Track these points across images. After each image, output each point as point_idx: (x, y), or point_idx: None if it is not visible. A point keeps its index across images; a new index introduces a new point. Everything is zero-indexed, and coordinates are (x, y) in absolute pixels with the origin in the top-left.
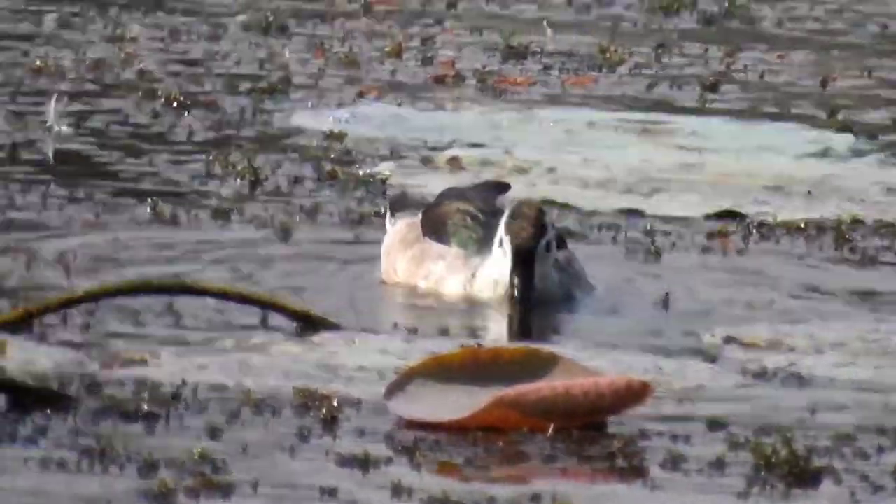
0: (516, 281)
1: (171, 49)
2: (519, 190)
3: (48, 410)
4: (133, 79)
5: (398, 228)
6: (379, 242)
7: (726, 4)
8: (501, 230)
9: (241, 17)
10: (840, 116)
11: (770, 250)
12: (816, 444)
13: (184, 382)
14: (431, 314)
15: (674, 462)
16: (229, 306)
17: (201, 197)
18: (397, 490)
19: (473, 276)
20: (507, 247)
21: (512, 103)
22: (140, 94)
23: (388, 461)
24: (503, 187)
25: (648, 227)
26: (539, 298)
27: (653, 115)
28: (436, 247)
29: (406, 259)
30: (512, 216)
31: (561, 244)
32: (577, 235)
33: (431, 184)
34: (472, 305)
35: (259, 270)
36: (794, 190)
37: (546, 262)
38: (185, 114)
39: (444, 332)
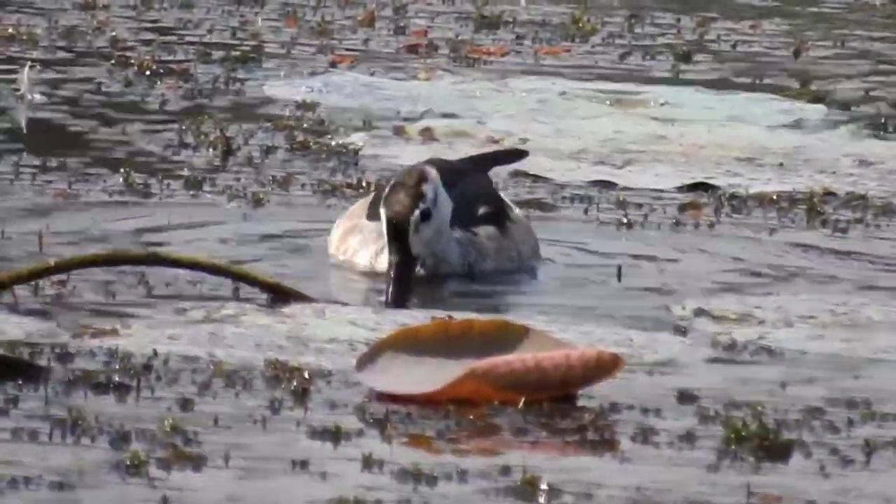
0: (392, 255)
1: (144, 17)
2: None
3: (19, 381)
4: (105, 47)
5: (353, 206)
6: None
7: None
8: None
9: None
10: (812, 87)
11: (741, 222)
12: (787, 417)
13: (155, 353)
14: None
15: (644, 435)
16: (201, 277)
17: (174, 166)
18: (368, 462)
19: (382, 250)
20: (383, 218)
21: (485, 73)
22: (112, 62)
23: (360, 433)
24: (517, 155)
25: (620, 199)
26: (434, 271)
27: (625, 86)
28: (363, 221)
29: (338, 233)
30: (391, 185)
31: (498, 215)
32: (548, 207)
33: (404, 154)
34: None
35: (230, 241)
36: (766, 161)
37: (424, 232)
38: (158, 83)
39: (414, 305)
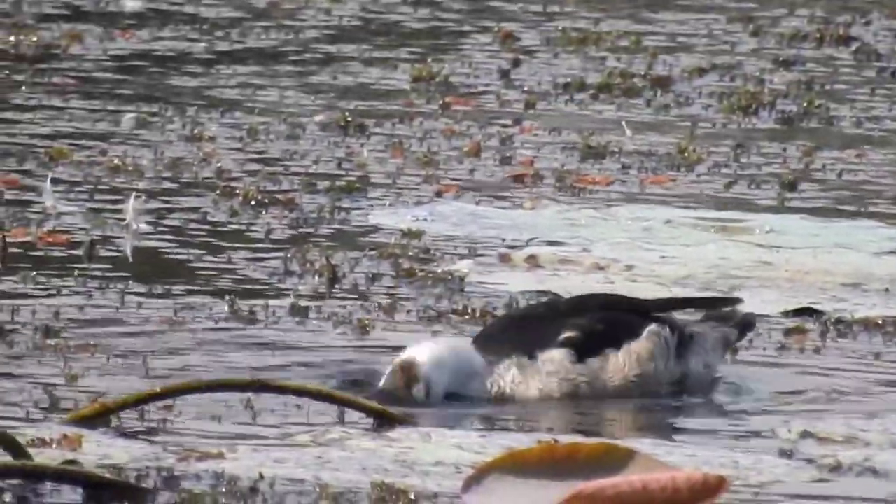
0: None
1: (249, 148)
2: (598, 289)
3: (125, 503)
4: (211, 177)
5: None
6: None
7: (805, 104)
8: None
9: (319, 117)
10: None
11: (847, 347)
12: None
13: (261, 476)
14: (506, 410)
15: None
16: (307, 402)
17: (279, 294)
18: None
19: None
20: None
21: (590, 202)
22: (218, 192)
23: None
24: (726, 301)
25: None
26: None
27: (731, 214)
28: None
29: None
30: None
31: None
32: None
33: (510, 281)
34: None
35: (337, 367)
36: (872, 287)
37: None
38: (263, 212)
39: (520, 429)
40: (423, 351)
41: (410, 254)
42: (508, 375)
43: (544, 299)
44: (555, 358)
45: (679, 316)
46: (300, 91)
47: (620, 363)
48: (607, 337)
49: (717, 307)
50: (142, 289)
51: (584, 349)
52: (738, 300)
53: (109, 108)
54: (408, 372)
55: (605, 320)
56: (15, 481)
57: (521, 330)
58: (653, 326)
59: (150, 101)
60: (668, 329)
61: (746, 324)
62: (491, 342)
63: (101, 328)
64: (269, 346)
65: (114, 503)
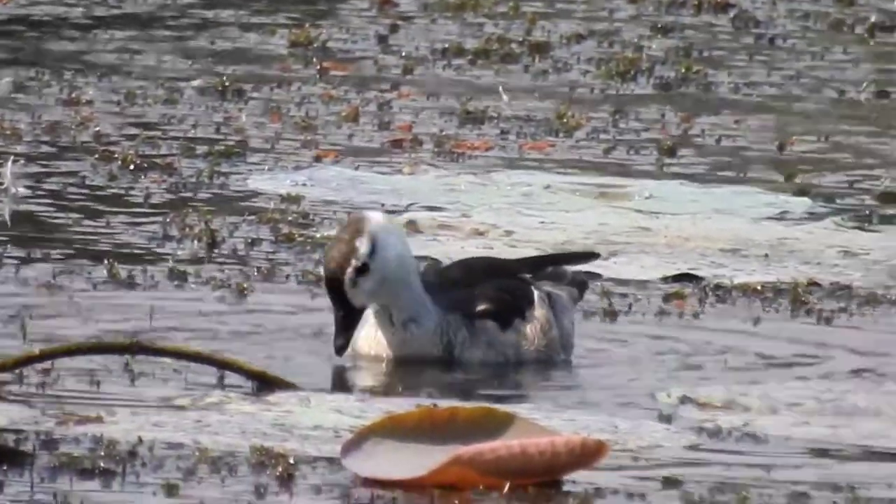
0: (335, 311)
1: (127, 112)
2: (478, 253)
3: (4, 467)
4: (89, 141)
5: None
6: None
7: (683, 70)
8: None
9: (197, 82)
10: (797, 180)
11: (726, 312)
12: (772, 502)
13: (140, 440)
14: (385, 375)
15: None
16: (185, 366)
17: (158, 258)
18: None
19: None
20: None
21: (469, 167)
22: (96, 156)
23: None
24: (584, 257)
25: (605, 290)
26: (406, 340)
27: (610, 179)
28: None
29: None
30: (331, 239)
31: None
32: None
33: None
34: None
35: (215, 331)
36: (751, 253)
37: (364, 285)
38: (142, 176)
39: (399, 393)
40: (378, 215)
41: (290, 219)
42: (460, 334)
43: (426, 264)
44: (488, 327)
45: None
46: (178, 56)
47: (530, 333)
48: (514, 307)
49: (579, 261)
50: (20, 252)
51: (501, 320)
52: (595, 255)
53: None
54: (356, 224)
55: (506, 289)
56: None
57: (441, 292)
58: (538, 291)
59: (28, 66)
60: (548, 290)
61: (580, 282)
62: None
63: None
64: (148, 311)
65: None
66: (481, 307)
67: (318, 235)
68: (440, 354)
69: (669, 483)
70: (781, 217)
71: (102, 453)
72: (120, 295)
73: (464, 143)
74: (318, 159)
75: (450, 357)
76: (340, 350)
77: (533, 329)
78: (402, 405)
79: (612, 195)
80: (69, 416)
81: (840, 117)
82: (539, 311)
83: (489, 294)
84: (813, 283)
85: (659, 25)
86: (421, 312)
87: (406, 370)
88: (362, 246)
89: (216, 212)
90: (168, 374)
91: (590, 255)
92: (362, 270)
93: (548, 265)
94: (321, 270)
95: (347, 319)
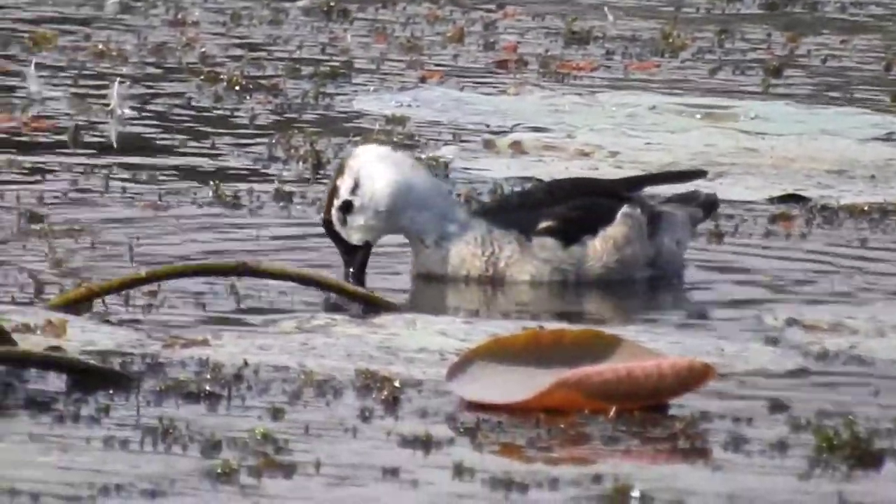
0: (340, 252)
1: (233, 33)
2: (582, 174)
3: (110, 390)
4: (195, 63)
5: None
6: None
7: None
8: None
9: (302, 2)
10: None
11: (833, 234)
12: (878, 426)
13: (245, 363)
14: (493, 297)
15: (735, 443)
16: (291, 288)
17: (264, 180)
18: (459, 470)
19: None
20: None
21: (574, 88)
22: (202, 77)
23: (451, 442)
24: (691, 175)
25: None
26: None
27: (716, 100)
28: None
29: None
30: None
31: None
32: None
33: (494, 167)
34: (534, 288)
35: (321, 253)
36: (857, 174)
37: (355, 221)
38: (247, 97)
39: (505, 315)
40: (370, 149)
41: (395, 139)
42: (507, 249)
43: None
44: (546, 244)
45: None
46: None
47: (599, 250)
48: (584, 224)
49: (683, 180)
50: (126, 174)
51: (564, 237)
52: (703, 173)
53: None
54: (341, 163)
55: (579, 207)
56: None
57: (503, 213)
58: (625, 208)
59: None
60: (638, 209)
61: (710, 203)
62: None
63: (86, 213)
64: (254, 231)
65: (98, 390)
66: (544, 224)
67: (423, 156)
68: (486, 272)
69: (776, 406)
70: (888, 138)
71: (208, 377)
72: (226, 215)
73: (569, 64)
74: (423, 80)
75: (495, 274)
76: (358, 279)
77: (603, 245)
78: (507, 328)
79: (718, 116)
80: (175, 339)
81: None
82: (617, 229)
83: (557, 212)
84: None
85: None
86: (452, 231)
87: (510, 292)
88: (343, 184)
89: (322, 133)
90: (273, 296)
91: (695, 174)
92: (347, 208)
93: (647, 184)
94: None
95: (349, 256)
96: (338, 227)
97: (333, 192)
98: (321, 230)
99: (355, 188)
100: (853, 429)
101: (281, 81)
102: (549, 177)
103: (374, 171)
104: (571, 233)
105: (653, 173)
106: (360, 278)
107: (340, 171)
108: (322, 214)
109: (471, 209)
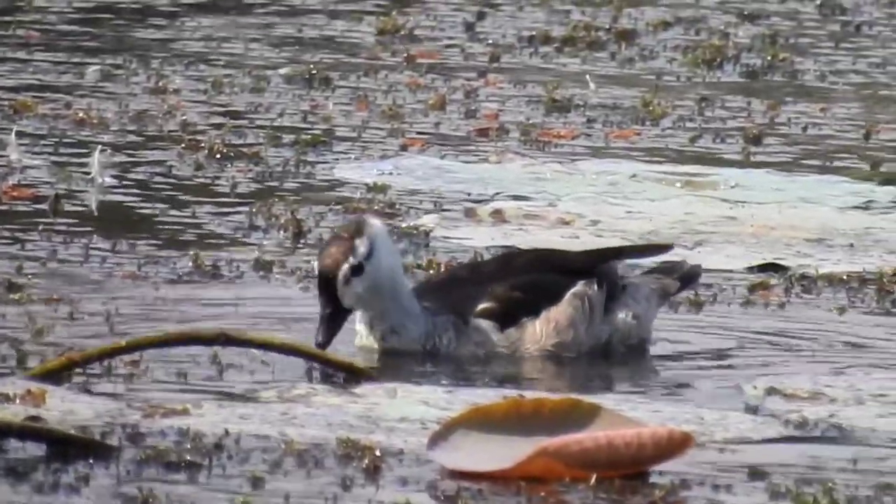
0: (321, 307)
1: (214, 101)
2: (563, 243)
3: (90, 460)
4: (176, 130)
5: None
6: None
7: (769, 58)
8: None
9: (284, 70)
10: (883, 169)
11: (812, 302)
12: (857, 493)
13: (226, 432)
14: (474, 366)
15: None
16: (272, 357)
17: (243, 249)
18: None
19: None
20: (315, 269)
21: (555, 156)
22: (183, 145)
23: None
24: (656, 249)
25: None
26: (393, 344)
27: (696, 168)
28: None
29: None
30: (330, 236)
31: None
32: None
33: (475, 236)
34: (514, 358)
35: (301, 323)
36: (836, 242)
37: (355, 286)
38: (228, 165)
39: (486, 384)
40: (379, 221)
41: (376, 208)
42: (446, 335)
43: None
44: (482, 327)
45: (623, 268)
46: (265, 44)
47: (537, 332)
48: (525, 304)
49: (648, 254)
50: (106, 243)
51: (501, 319)
52: (668, 247)
53: (74, 61)
54: (358, 224)
55: (522, 286)
56: None
57: (448, 290)
58: (577, 288)
59: (115, 54)
60: (595, 286)
61: (691, 275)
62: (425, 294)
63: (66, 283)
64: (234, 302)
65: (78, 460)
66: (482, 306)
67: (404, 225)
68: (427, 351)
69: (755, 474)
70: (867, 206)
71: (188, 446)
72: (206, 285)
73: (550, 132)
74: (404, 148)
75: (440, 354)
76: (322, 346)
77: (543, 327)
78: (488, 396)
79: (698, 184)
80: (155, 408)
81: None
82: (562, 309)
83: (497, 292)
84: None
85: (745, 13)
86: (405, 322)
87: (487, 362)
88: (361, 246)
89: (302, 201)
90: (255, 365)
91: (662, 248)
92: (357, 270)
93: (611, 258)
94: (314, 265)
95: (333, 318)
96: (340, 284)
97: (349, 250)
98: (300, 297)
99: (370, 255)
100: (832, 496)
101: (262, 149)
102: (529, 246)
103: (384, 246)
104: (510, 314)
105: (616, 247)
106: (328, 342)
107: (359, 231)
108: (325, 265)
109: (418, 285)
